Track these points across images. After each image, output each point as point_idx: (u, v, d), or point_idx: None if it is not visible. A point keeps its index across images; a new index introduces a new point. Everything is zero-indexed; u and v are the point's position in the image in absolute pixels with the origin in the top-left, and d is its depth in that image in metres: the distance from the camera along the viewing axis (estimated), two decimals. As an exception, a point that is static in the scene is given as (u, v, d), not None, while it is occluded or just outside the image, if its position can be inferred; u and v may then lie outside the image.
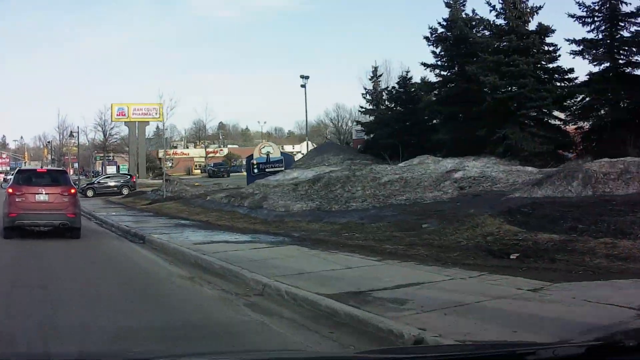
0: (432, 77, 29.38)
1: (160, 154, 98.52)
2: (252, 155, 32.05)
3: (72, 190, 16.59)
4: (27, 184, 16.13)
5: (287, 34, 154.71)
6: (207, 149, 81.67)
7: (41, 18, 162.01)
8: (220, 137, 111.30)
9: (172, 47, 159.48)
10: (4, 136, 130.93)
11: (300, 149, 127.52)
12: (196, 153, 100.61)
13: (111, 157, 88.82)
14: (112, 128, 57.74)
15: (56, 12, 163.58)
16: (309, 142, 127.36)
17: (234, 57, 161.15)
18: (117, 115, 68.03)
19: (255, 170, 30.59)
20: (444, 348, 4.36)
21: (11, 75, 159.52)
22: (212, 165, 73.85)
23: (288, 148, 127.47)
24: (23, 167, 25.23)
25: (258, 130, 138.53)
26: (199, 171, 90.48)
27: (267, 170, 30.30)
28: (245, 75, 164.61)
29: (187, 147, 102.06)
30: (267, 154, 30.49)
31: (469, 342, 5.37)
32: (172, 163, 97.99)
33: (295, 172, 24.91)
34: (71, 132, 55.83)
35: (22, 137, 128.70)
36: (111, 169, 73.64)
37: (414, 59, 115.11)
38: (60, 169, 24.10)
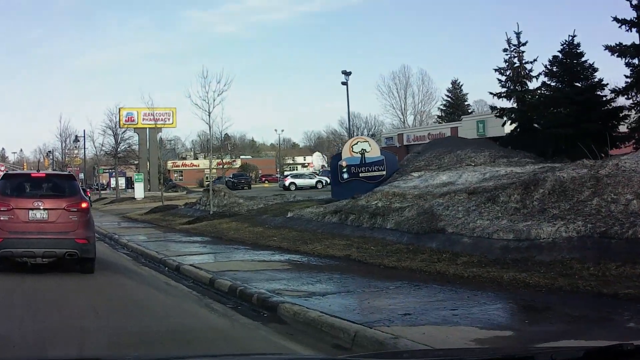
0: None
1: (169, 165, 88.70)
2: (339, 154, 22.35)
3: (84, 205, 10.56)
4: (18, 195, 10.32)
5: (291, 47, 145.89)
6: (224, 160, 71.64)
7: (41, 33, 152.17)
8: (230, 148, 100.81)
9: (173, 61, 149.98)
10: (2, 149, 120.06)
11: (312, 161, 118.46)
12: (207, 164, 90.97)
13: (113, 168, 78.80)
14: (124, 132, 47.79)
15: (55, 26, 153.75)
16: (319, 154, 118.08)
17: (239, 70, 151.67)
18: (125, 121, 58.27)
19: (345, 175, 20.94)
20: (439, 352, 3.73)
21: (11, 88, 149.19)
22: (231, 176, 63.94)
23: (299, 159, 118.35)
24: (11, 171, 15.44)
25: (263, 142, 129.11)
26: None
27: (361, 174, 20.73)
28: (251, 88, 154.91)
29: (197, 159, 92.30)
30: (362, 152, 20.88)
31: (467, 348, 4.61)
32: (182, 175, 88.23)
33: (443, 175, 15.47)
34: (76, 137, 46.18)
35: (21, 150, 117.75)
36: (119, 181, 63.73)
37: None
38: (66, 173, 14.93)
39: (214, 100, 22.37)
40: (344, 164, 21.12)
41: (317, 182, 53.78)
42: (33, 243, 9.69)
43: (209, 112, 22.42)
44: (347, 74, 45.87)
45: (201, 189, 70.28)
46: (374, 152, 21.12)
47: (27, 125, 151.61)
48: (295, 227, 15.95)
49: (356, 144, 21.37)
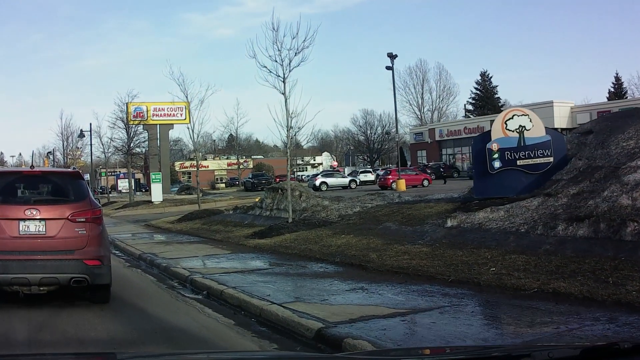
0: None
1: (177, 167, 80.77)
2: (485, 134, 14.64)
3: (96, 212, 7.43)
4: (4, 200, 7.22)
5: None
6: (239, 160, 63.92)
7: (40, 38, 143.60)
8: (237, 149, 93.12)
9: (173, 63, 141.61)
10: (1, 152, 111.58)
11: (322, 161, 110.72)
12: (216, 165, 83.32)
13: (117, 170, 70.76)
14: (137, 127, 39.95)
15: (54, 31, 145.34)
16: (328, 154, 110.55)
17: (238, 72, 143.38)
18: (133, 116, 50.47)
19: (497, 164, 13.38)
20: (437, 351, 3.51)
21: (10, 92, 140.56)
22: (249, 176, 56.30)
23: (309, 160, 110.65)
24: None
25: (266, 142, 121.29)
26: (223, 185, 73.18)
27: (519, 162, 13.24)
28: (252, 89, 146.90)
29: (206, 159, 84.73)
30: (520, 131, 13.39)
31: (463, 345, 4.45)
32: (190, 176, 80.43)
33: None
34: (81, 131, 38.37)
35: (20, 154, 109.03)
36: (126, 183, 56.23)
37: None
38: (70, 170, 9.42)
39: (290, 61, 14.88)
40: (495, 147, 13.60)
41: (350, 181, 46.49)
42: (26, 266, 6.83)
43: (284, 79, 14.91)
44: (392, 57, 38.57)
45: (214, 191, 62.82)
46: (536, 130, 13.60)
47: (27, 129, 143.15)
48: (494, 246, 8.85)
49: (511, 118, 13.82)
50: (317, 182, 44.96)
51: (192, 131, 22.95)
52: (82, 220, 7.20)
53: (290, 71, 14.82)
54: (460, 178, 50.17)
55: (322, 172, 53.81)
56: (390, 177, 39.86)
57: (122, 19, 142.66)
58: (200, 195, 50.86)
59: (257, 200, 35.45)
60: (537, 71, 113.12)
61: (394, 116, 40.39)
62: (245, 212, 18.53)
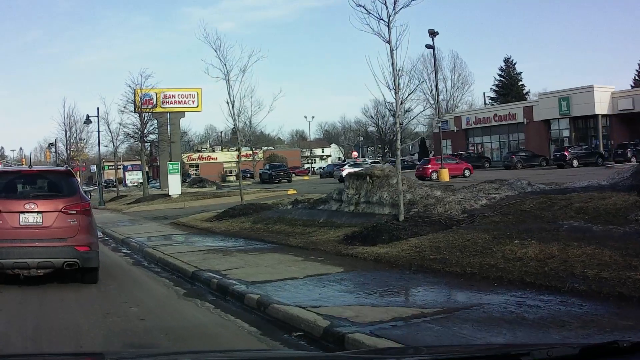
0: None
1: (184, 158, 76.15)
2: None
3: (84, 205, 8.44)
4: (6, 196, 8.31)
5: (295, 43, 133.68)
6: (253, 151, 59.18)
7: (40, 34, 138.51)
8: (243, 141, 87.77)
9: (172, 58, 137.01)
10: (2, 147, 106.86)
11: (330, 153, 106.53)
12: (225, 157, 78.59)
13: (121, 163, 66.27)
14: (147, 112, 35.43)
15: (54, 27, 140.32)
16: (335, 146, 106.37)
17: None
18: (142, 104, 46.13)
19: None
20: (436, 349, 3.38)
21: (11, 90, 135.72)
22: (266, 167, 51.72)
23: (317, 151, 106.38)
24: (-1, 168, 6.46)
25: (272, 134, 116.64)
26: (234, 177, 68.67)
27: None
28: (255, 84, 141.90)
29: (214, 151, 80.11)
30: None
31: (461, 344, 4.26)
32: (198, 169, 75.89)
33: None
34: (87, 117, 33.78)
35: (21, 148, 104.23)
36: (134, 176, 51.97)
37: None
38: (62, 168, 10.65)
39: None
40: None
41: (378, 171, 42.19)
42: (26, 252, 7.90)
43: (388, 22, 10.56)
44: (433, 34, 34.17)
45: (227, 184, 58.34)
46: None
47: (28, 124, 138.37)
48: None
49: None
50: (344, 173, 40.63)
51: (232, 106, 18.34)
52: (74, 212, 8.13)
53: (396, 12, 10.49)
54: (492, 168, 46.08)
55: (349, 163, 49.35)
56: (429, 166, 35.67)
57: (121, 13, 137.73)
58: (214, 188, 46.62)
59: (290, 192, 31.35)
60: (553, 60, 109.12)
61: (435, 97, 35.94)
62: (312, 207, 14.21)
